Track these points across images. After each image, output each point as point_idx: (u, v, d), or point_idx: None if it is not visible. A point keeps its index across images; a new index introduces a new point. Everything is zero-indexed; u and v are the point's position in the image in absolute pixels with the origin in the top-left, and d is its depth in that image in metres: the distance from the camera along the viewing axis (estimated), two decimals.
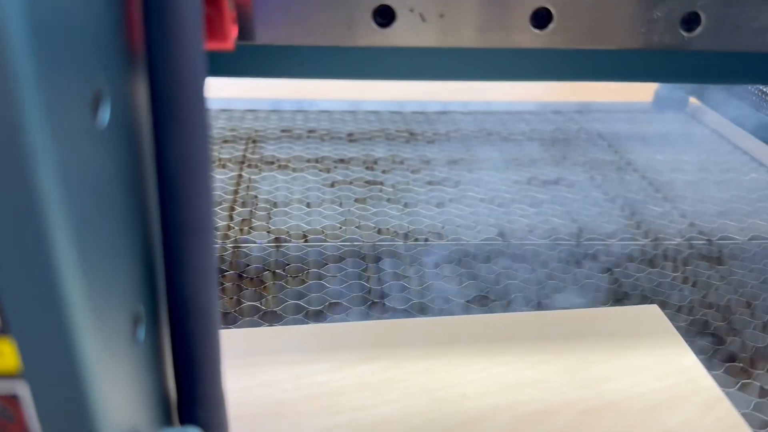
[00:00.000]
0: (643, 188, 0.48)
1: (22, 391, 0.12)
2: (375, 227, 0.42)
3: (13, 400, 0.12)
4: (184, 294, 0.14)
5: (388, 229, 0.42)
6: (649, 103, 0.64)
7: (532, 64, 0.28)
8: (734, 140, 0.57)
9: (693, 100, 0.62)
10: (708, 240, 0.42)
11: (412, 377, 0.29)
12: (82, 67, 0.11)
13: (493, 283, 0.36)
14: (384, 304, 0.35)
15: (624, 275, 0.38)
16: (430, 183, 0.48)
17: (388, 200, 0.45)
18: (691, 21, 0.24)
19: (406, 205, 0.45)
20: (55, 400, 0.12)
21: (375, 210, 0.44)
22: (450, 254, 0.39)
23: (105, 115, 0.12)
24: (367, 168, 0.50)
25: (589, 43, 0.25)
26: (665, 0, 0.24)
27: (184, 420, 0.16)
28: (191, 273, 0.14)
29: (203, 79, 0.13)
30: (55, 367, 0.11)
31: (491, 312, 0.34)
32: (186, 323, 0.15)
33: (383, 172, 0.49)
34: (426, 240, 0.41)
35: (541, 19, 0.24)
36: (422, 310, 0.34)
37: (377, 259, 0.38)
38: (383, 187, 0.47)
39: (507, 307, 0.34)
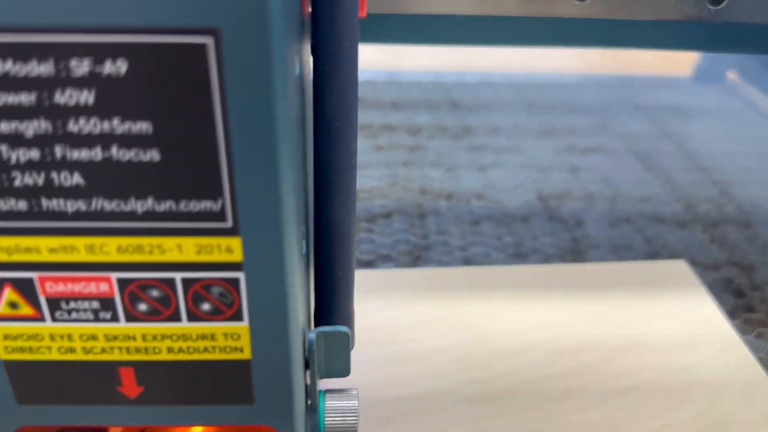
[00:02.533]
0: (679, 158, 0.50)
1: (242, 280, 0.15)
2: (420, 188, 0.45)
3: (233, 287, 0.15)
4: (331, 221, 0.18)
5: (432, 190, 0.45)
6: (688, 77, 0.66)
7: (571, 32, 0.30)
8: None
9: (731, 74, 0.64)
10: (737, 206, 0.44)
11: (457, 317, 0.32)
12: (294, 28, 0.14)
13: (531, 240, 0.39)
14: (429, 257, 0.38)
15: (656, 236, 0.40)
16: (471, 149, 0.51)
17: (432, 164, 0.48)
18: None
19: (448, 169, 0.48)
20: (262, 288, 0.15)
21: (419, 173, 0.47)
22: (490, 214, 0.42)
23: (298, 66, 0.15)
24: (410, 134, 0.52)
25: (625, 14, 0.28)
26: None
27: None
28: (338, 203, 0.18)
29: (357, 41, 0.16)
30: (267, 262, 0.15)
31: (526, 264, 0.37)
32: (330, 246, 0.19)
33: (427, 138, 0.52)
34: (467, 201, 0.44)
35: None
36: (464, 262, 0.37)
37: (422, 217, 0.42)
38: (427, 153, 0.50)
39: (543, 261, 0.37)
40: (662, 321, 0.32)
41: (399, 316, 0.32)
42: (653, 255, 0.38)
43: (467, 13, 0.27)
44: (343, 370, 0.20)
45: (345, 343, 0.19)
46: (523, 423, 0.27)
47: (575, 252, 0.38)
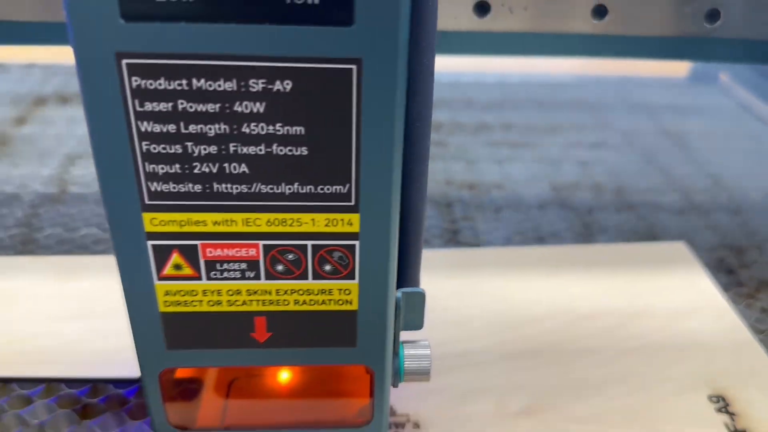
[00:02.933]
0: (675, 152, 0.55)
1: (357, 247, 0.20)
2: (444, 180, 0.50)
3: (350, 252, 0.20)
4: (410, 204, 0.22)
5: (455, 181, 0.50)
6: (684, 78, 0.71)
7: (586, 45, 0.35)
8: (758, 112, 0.63)
9: (723, 76, 0.69)
10: (728, 196, 0.49)
11: (489, 289, 0.37)
12: None
13: (547, 225, 0.44)
14: (458, 239, 0.43)
15: (657, 221, 0.45)
16: (488, 144, 0.56)
17: (453, 158, 0.53)
18: (713, 15, 0.32)
19: (469, 162, 0.53)
20: (371, 254, 0.20)
21: (443, 165, 0.52)
22: (509, 202, 0.47)
23: None
24: (433, 130, 0.57)
25: (636, 31, 0.33)
26: (693, 0, 0.31)
27: None
28: (415, 189, 0.22)
29: (434, 57, 0.20)
30: (377, 233, 0.20)
31: (545, 245, 0.42)
32: (407, 224, 0.23)
33: (447, 134, 0.57)
34: (488, 190, 0.48)
35: (599, 11, 0.32)
36: (489, 244, 0.42)
37: (449, 205, 0.46)
38: (448, 147, 0.55)
39: (559, 243, 0.42)
40: (665, 293, 0.37)
41: (438, 288, 0.37)
42: (655, 238, 0.43)
43: (509, 29, 0.32)
44: (418, 324, 0.24)
45: (421, 301, 0.24)
46: (549, 375, 0.32)
47: (586, 235, 0.43)
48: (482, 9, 0.31)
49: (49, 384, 0.31)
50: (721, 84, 0.69)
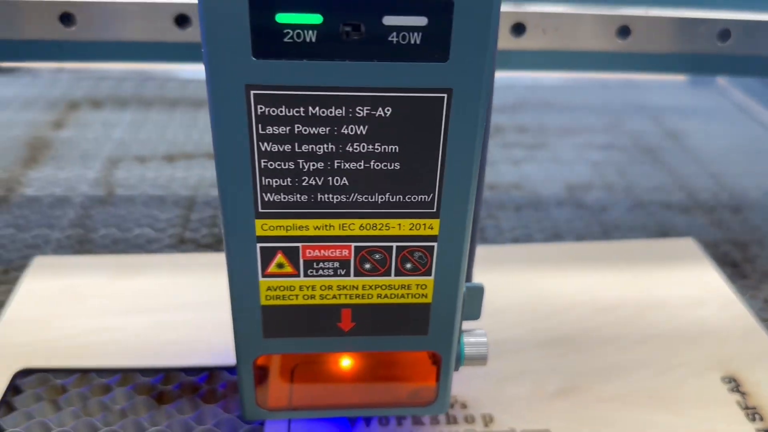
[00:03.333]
0: (679, 153, 0.59)
1: (435, 248, 0.23)
2: None
3: (428, 252, 0.23)
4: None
5: None
6: (684, 81, 0.75)
7: (608, 61, 0.39)
8: (754, 114, 0.67)
9: (720, 79, 0.73)
10: (729, 194, 0.53)
11: (518, 282, 0.40)
12: None
13: (564, 223, 0.48)
14: (484, 237, 0.46)
15: (665, 219, 0.49)
16: (504, 146, 0.59)
17: None
18: (724, 35, 0.35)
19: (487, 164, 0.56)
20: (447, 254, 0.24)
21: None
22: (528, 201, 0.50)
23: None
24: None
25: (653, 49, 0.36)
26: (707, 22, 0.35)
27: None
28: (478, 194, 0.25)
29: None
30: (453, 236, 0.23)
31: (565, 242, 0.46)
32: None
33: None
34: (507, 190, 0.52)
35: (623, 32, 0.35)
36: (513, 241, 0.46)
37: None
38: None
39: (576, 239, 0.46)
40: (677, 286, 0.41)
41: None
42: (664, 234, 0.47)
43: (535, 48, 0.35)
44: (476, 315, 0.28)
45: (480, 295, 0.27)
46: (578, 360, 0.35)
47: (602, 232, 0.47)
48: (518, 30, 0.34)
49: (125, 373, 0.34)
50: (718, 86, 0.73)
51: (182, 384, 0.34)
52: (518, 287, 0.40)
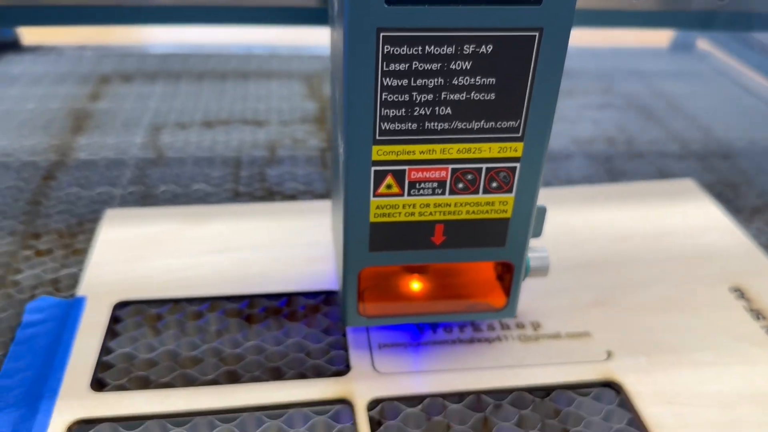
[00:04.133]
0: (669, 110, 0.65)
1: (518, 168, 0.28)
2: None
3: (511, 172, 0.28)
4: None
5: None
6: (665, 48, 0.81)
7: (622, 18, 0.44)
8: (734, 77, 0.74)
9: (700, 43, 0.79)
10: (718, 144, 0.59)
11: (549, 219, 0.46)
12: None
13: (576, 171, 0.53)
14: None
15: (664, 166, 0.55)
16: None
17: None
18: None
19: None
20: (527, 173, 0.28)
21: None
22: None
23: None
24: None
25: (668, 7, 0.42)
26: None
27: None
28: None
29: None
30: (533, 158, 0.28)
31: (581, 185, 0.51)
32: None
33: None
34: None
35: None
36: None
37: None
38: None
39: (588, 184, 0.51)
40: (683, 217, 0.47)
41: None
42: (664, 177, 0.53)
43: None
44: (539, 233, 0.32)
45: (543, 214, 0.32)
46: (606, 278, 0.41)
47: (609, 179, 0.53)
48: None
49: (213, 301, 0.39)
50: (699, 52, 0.80)
51: (266, 308, 0.39)
52: (549, 222, 0.45)
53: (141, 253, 0.42)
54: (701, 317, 0.38)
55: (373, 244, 0.30)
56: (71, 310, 0.37)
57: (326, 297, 0.39)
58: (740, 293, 0.40)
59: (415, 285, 0.34)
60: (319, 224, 0.44)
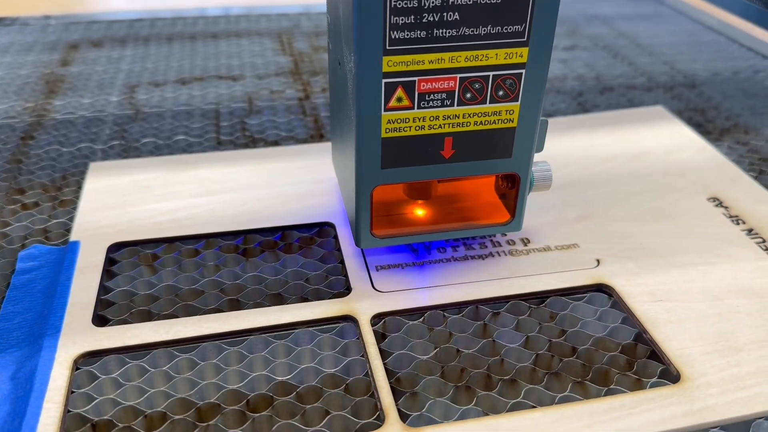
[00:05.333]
0: (633, 48, 0.67)
1: (523, 74, 0.28)
2: None
3: (517, 79, 0.28)
4: None
5: None
6: None
7: None
8: (692, 14, 0.76)
9: None
10: (683, 76, 0.61)
11: None
12: None
13: (550, 105, 0.55)
14: None
15: (633, 97, 0.56)
16: None
17: None
18: None
19: None
20: (532, 79, 0.28)
21: None
22: None
23: None
24: None
25: None
26: None
27: None
28: None
29: None
30: (539, 63, 0.28)
31: (558, 116, 0.52)
32: None
33: None
34: None
35: None
36: None
37: None
38: None
39: (564, 115, 0.53)
40: (657, 138, 0.48)
41: None
42: (635, 107, 0.54)
43: None
44: (541, 147, 0.33)
45: (545, 127, 0.32)
46: (590, 194, 0.42)
47: (582, 111, 0.54)
48: None
49: (208, 239, 0.39)
50: None
51: (262, 242, 0.39)
52: None
53: (130, 199, 0.42)
54: (683, 225, 0.40)
55: (385, 160, 0.30)
56: (66, 254, 0.37)
57: (320, 229, 0.39)
58: (719, 202, 0.42)
59: (421, 211, 0.35)
60: (307, 164, 0.45)
